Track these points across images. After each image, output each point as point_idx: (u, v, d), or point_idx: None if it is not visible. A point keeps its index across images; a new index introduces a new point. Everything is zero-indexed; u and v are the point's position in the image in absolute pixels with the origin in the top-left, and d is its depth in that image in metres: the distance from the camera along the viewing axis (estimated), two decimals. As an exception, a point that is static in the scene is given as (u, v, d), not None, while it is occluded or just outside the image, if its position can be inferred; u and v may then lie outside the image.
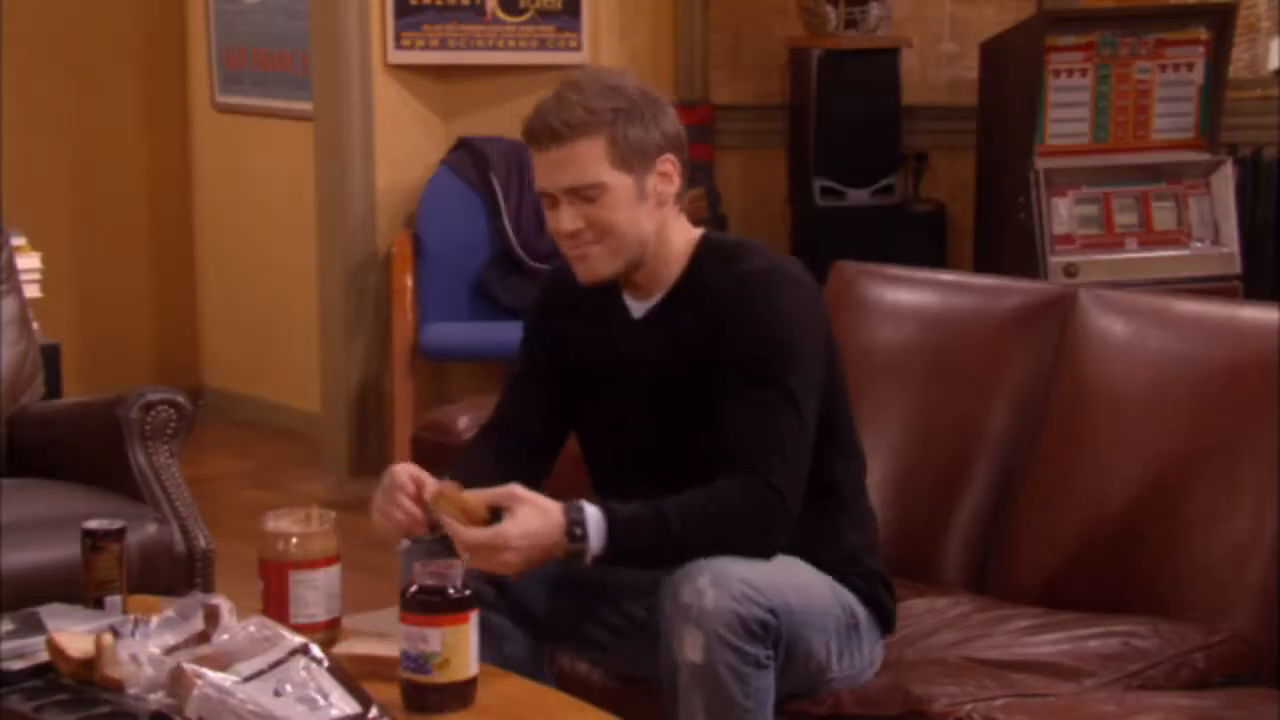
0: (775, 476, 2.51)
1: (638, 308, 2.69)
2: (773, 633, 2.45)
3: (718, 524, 2.50)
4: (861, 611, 2.66)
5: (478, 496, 2.46)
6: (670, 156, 2.62)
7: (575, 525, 2.45)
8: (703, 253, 2.67)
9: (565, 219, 2.58)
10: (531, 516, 2.44)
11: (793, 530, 2.55)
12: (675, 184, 2.64)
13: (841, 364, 2.72)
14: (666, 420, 2.65)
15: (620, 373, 2.68)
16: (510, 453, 2.72)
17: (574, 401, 2.75)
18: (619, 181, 2.57)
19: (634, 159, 2.58)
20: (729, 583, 2.41)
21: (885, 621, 2.74)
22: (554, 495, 2.51)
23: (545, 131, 2.56)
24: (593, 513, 2.47)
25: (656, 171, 2.61)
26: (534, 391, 2.76)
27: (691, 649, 2.41)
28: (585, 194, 2.57)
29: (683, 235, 2.67)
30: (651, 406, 2.66)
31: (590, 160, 2.56)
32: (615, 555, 2.48)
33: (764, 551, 2.51)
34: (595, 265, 2.61)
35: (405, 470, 2.55)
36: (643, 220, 2.60)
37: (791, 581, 2.53)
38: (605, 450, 2.75)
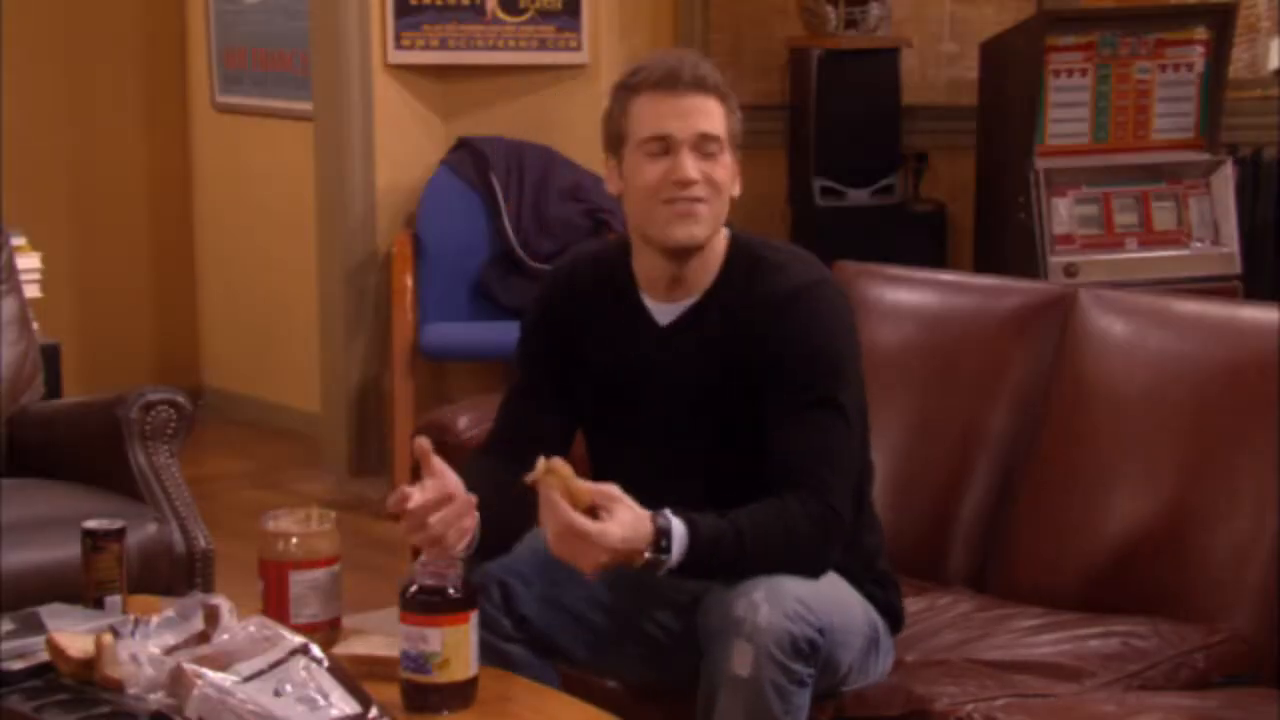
0: (833, 496, 2.52)
1: (664, 312, 2.65)
2: (819, 651, 2.44)
3: (783, 541, 2.48)
4: (880, 624, 2.67)
5: (583, 486, 2.41)
6: (737, 154, 2.65)
7: (662, 536, 2.42)
8: (736, 256, 2.65)
9: (689, 165, 2.55)
10: (631, 522, 2.40)
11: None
12: (740, 182, 2.66)
13: (864, 377, 2.71)
14: (688, 430, 2.63)
15: (640, 380, 2.65)
16: (519, 463, 2.63)
17: (580, 405, 2.72)
18: (728, 149, 2.60)
19: (734, 138, 2.62)
20: (783, 600, 2.41)
21: (897, 623, 2.75)
22: None
23: (690, 77, 2.57)
24: (678, 526, 2.43)
25: (736, 161, 2.64)
26: (538, 396, 2.72)
27: (740, 663, 2.40)
28: (709, 148, 2.57)
29: (720, 234, 2.66)
30: (673, 415, 2.63)
31: (717, 117, 2.59)
32: (689, 568, 2.45)
33: (820, 569, 2.52)
34: (699, 225, 2.58)
35: (405, 494, 2.45)
36: (729, 198, 2.62)
37: (836, 600, 2.53)
38: (618, 458, 2.69)
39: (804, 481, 2.51)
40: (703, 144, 2.56)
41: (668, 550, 2.42)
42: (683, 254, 2.60)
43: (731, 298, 2.61)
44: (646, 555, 2.42)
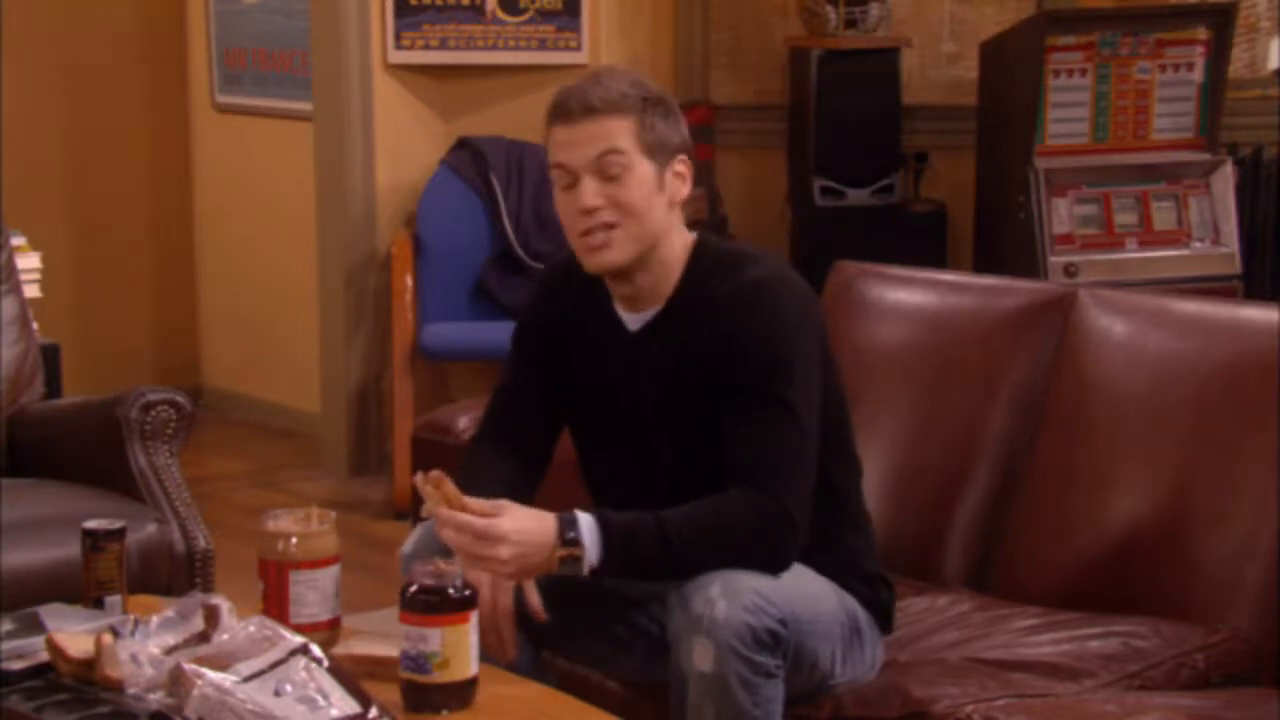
0: (782, 492, 2.50)
1: (633, 320, 2.67)
2: (783, 643, 2.44)
3: (722, 538, 2.48)
4: (863, 616, 2.66)
5: (468, 500, 2.43)
6: (684, 159, 2.63)
7: (568, 528, 2.43)
8: (699, 260, 2.65)
9: (588, 193, 2.55)
10: (524, 516, 2.43)
11: (801, 542, 2.54)
12: (687, 187, 2.65)
13: (839, 373, 2.72)
14: (667, 435, 2.63)
15: (618, 387, 2.67)
16: (506, 461, 2.69)
17: (567, 409, 2.75)
18: (643, 165, 2.57)
19: (657, 149, 2.59)
20: (740, 593, 2.41)
21: (886, 620, 2.74)
22: (550, 501, 2.50)
23: (580, 104, 2.56)
24: (586, 519, 2.45)
25: (673, 170, 2.62)
26: (524, 397, 2.74)
27: (702, 659, 2.40)
28: (610, 170, 2.55)
29: (681, 241, 2.66)
30: (651, 421, 2.64)
31: (620, 135, 2.56)
32: (613, 565, 2.46)
33: (773, 565, 2.49)
34: (611, 252, 2.58)
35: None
36: (658, 211, 2.60)
37: (799, 591, 2.52)
38: (603, 464, 2.74)
39: (750, 479, 2.51)
40: (603, 166, 2.56)
41: (577, 543, 2.42)
42: (621, 275, 2.62)
43: (694, 302, 2.62)
44: (560, 552, 2.42)
